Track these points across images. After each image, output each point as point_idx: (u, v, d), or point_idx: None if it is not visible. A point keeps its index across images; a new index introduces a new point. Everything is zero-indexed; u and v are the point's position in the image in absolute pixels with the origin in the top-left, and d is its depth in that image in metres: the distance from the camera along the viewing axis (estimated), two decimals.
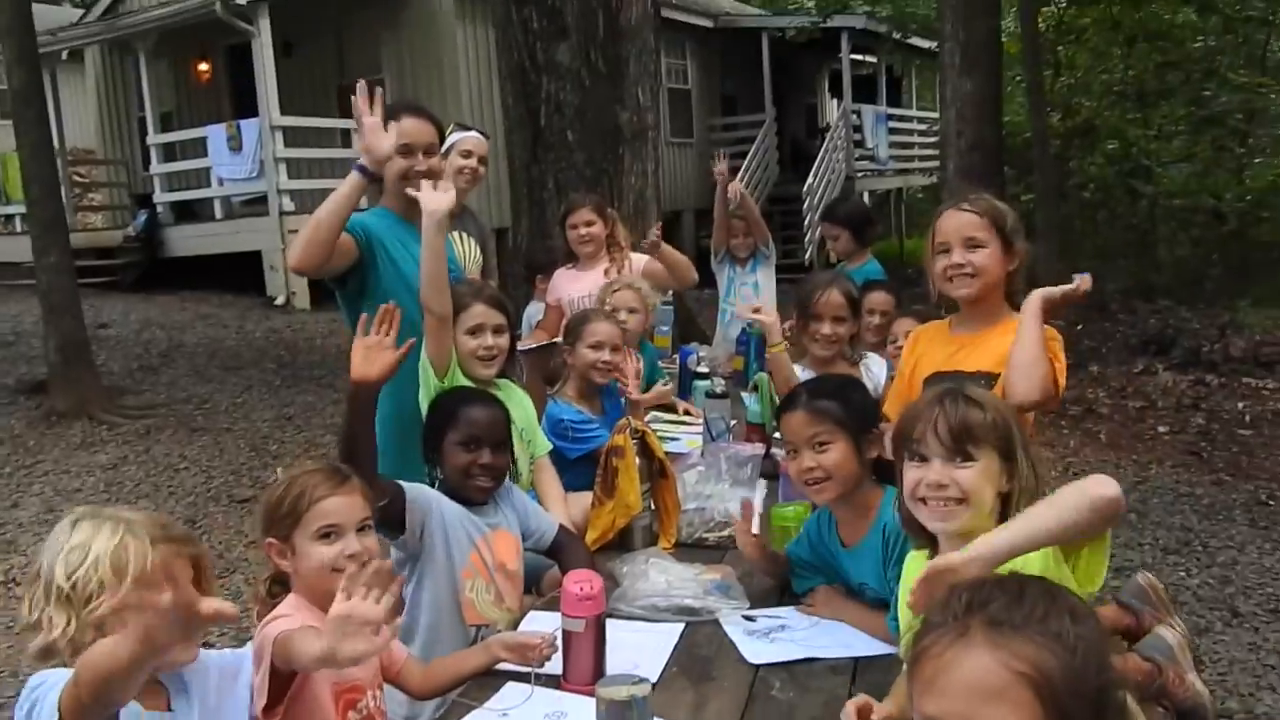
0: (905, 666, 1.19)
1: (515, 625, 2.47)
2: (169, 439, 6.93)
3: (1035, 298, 2.45)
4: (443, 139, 3.28)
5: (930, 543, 1.87)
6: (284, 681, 1.81)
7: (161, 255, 13.10)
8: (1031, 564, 1.60)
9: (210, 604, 1.30)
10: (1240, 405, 8.06)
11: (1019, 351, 2.43)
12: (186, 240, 13.03)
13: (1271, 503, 5.94)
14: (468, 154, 3.95)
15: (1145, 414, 7.95)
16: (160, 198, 13.34)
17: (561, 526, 2.81)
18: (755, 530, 2.56)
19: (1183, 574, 4.86)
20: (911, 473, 1.83)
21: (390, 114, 3.03)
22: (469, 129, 4.10)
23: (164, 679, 1.69)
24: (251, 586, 1.76)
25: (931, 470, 1.79)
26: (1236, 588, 4.71)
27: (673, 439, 3.77)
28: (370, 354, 2.39)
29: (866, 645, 2.22)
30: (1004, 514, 1.79)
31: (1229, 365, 9.18)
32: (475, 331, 3.00)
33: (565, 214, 4.61)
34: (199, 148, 12.84)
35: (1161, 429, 7.56)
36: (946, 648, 1.11)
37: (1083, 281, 2.52)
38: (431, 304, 2.82)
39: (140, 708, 1.61)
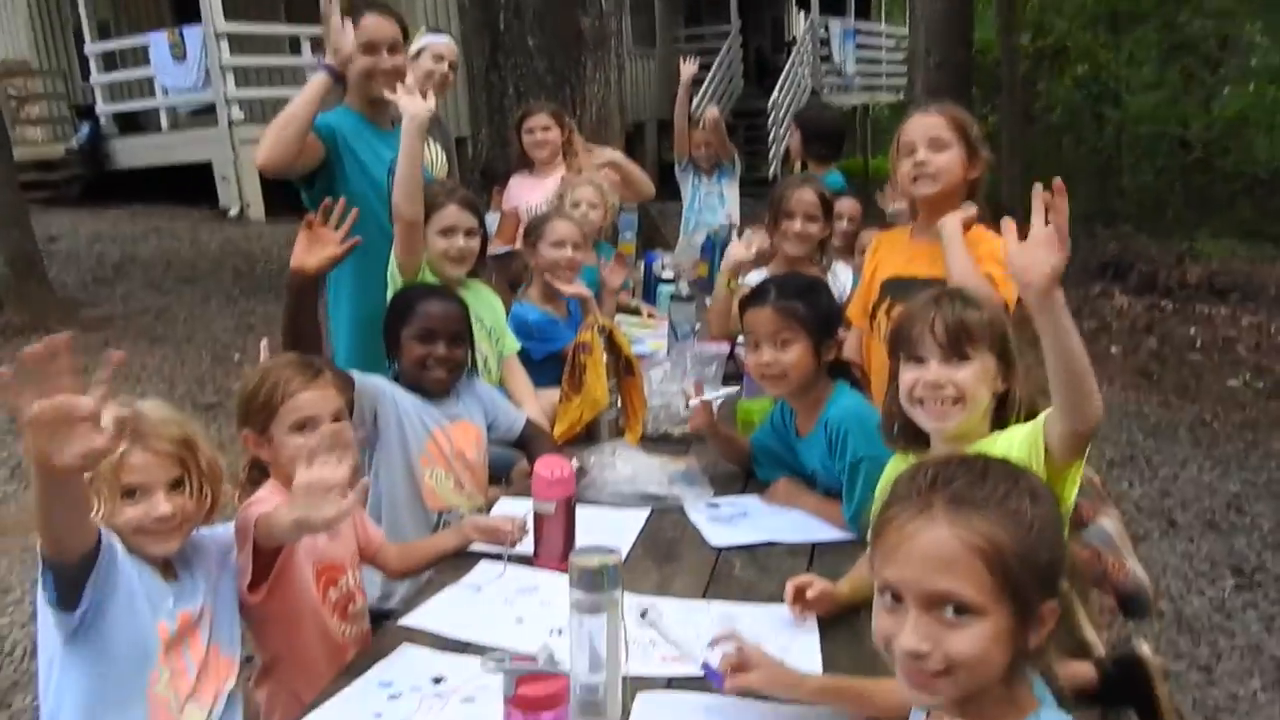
0: (870, 537, 1.26)
1: (479, 512, 2.55)
2: (129, 350, 6.79)
3: (951, 220, 2.51)
4: (407, 37, 3.24)
5: (917, 446, 1.90)
6: (268, 561, 1.88)
7: (107, 168, 12.70)
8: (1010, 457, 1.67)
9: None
10: (1192, 330, 8.26)
11: (954, 278, 2.45)
12: (132, 152, 12.61)
13: (1214, 423, 6.15)
14: (439, 58, 3.91)
15: (1100, 335, 8.13)
16: (103, 109, 12.87)
17: (529, 420, 2.87)
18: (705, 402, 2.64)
19: (1126, 485, 5.06)
20: (908, 374, 1.86)
21: (353, 12, 3.01)
22: (440, 33, 4.06)
23: (170, 556, 1.78)
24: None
25: (929, 370, 1.82)
26: (1175, 500, 4.91)
27: (637, 341, 3.84)
28: (313, 245, 2.43)
29: (824, 531, 2.32)
30: (1000, 415, 1.84)
31: (1184, 292, 9.39)
32: (448, 233, 3.02)
33: (521, 119, 4.56)
34: (140, 56, 12.36)
35: (1114, 350, 7.75)
36: (909, 521, 1.18)
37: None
38: (404, 209, 2.82)
39: (151, 574, 1.71)
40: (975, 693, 1.17)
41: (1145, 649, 2.46)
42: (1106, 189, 15.71)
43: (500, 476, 2.93)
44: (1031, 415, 1.77)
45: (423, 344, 2.57)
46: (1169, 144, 16.38)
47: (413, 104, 2.84)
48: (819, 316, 2.39)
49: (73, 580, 1.56)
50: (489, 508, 2.50)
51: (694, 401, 2.65)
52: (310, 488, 1.64)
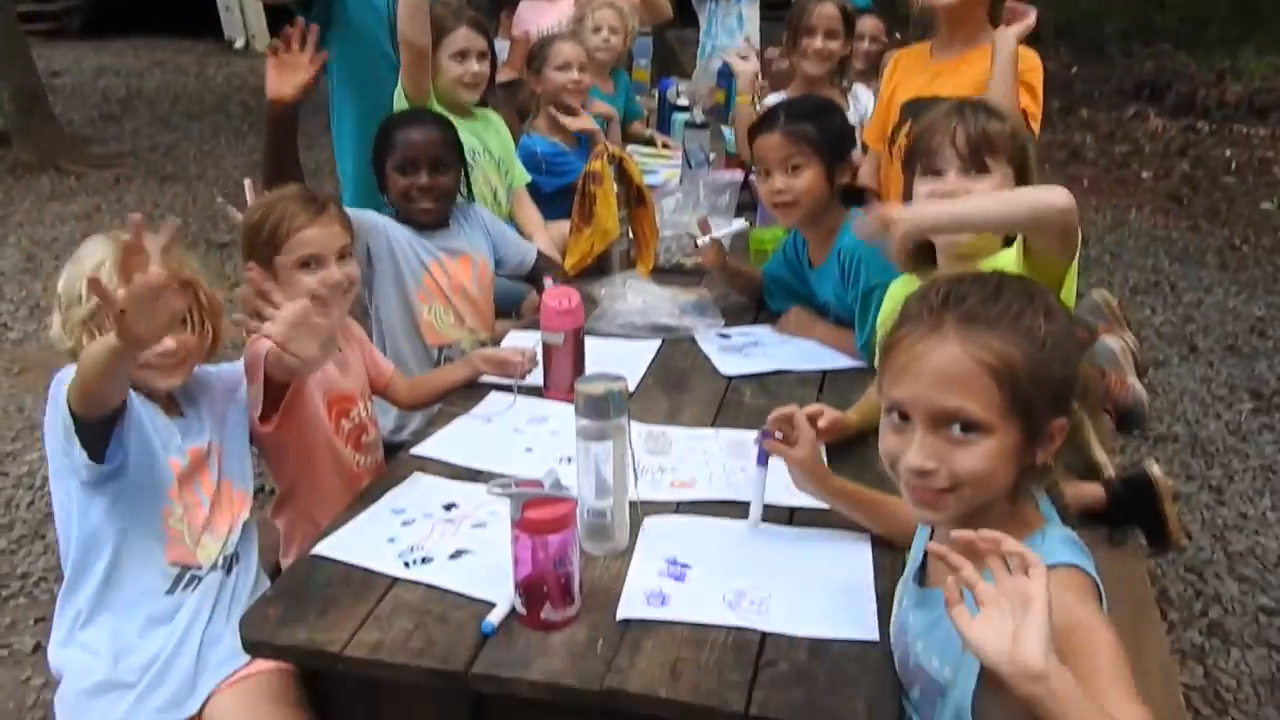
0: (878, 357, 1.24)
1: (482, 346, 2.54)
2: (140, 188, 6.81)
3: (1011, 36, 2.36)
4: None
5: (925, 266, 1.86)
6: (279, 392, 1.89)
7: None
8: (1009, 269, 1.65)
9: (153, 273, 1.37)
10: (1227, 152, 8.00)
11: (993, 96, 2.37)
12: None
13: (1244, 247, 6.02)
14: None
15: (1131, 160, 7.90)
16: None
17: (540, 252, 2.84)
18: (714, 240, 2.59)
19: (1148, 311, 5.00)
20: (924, 186, 1.82)
21: None
22: None
23: (175, 394, 1.80)
24: (238, 326, 1.83)
25: (946, 182, 1.79)
26: (1198, 325, 4.86)
27: (651, 172, 3.76)
28: (284, 72, 2.36)
29: (834, 360, 2.31)
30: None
31: (1222, 112, 9.04)
32: (460, 57, 2.92)
33: None
34: None
35: (1145, 175, 7.54)
36: (920, 339, 1.16)
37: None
38: (411, 36, 2.70)
39: (156, 411, 1.73)
40: (980, 510, 1.18)
41: (1155, 469, 2.49)
42: (1146, 4, 14.96)
43: (510, 310, 2.93)
44: None
45: (404, 175, 2.48)
46: None
47: None
48: (831, 139, 2.31)
49: (101, 433, 1.58)
50: (497, 342, 2.50)
51: (703, 240, 2.60)
52: (289, 324, 1.65)
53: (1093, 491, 2.51)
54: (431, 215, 2.53)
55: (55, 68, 9.93)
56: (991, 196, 1.71)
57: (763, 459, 1.62)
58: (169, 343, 1.70)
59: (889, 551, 1.56)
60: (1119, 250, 5.91)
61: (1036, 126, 2.44)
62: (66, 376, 1.56)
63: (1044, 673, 0.94)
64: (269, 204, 2.01)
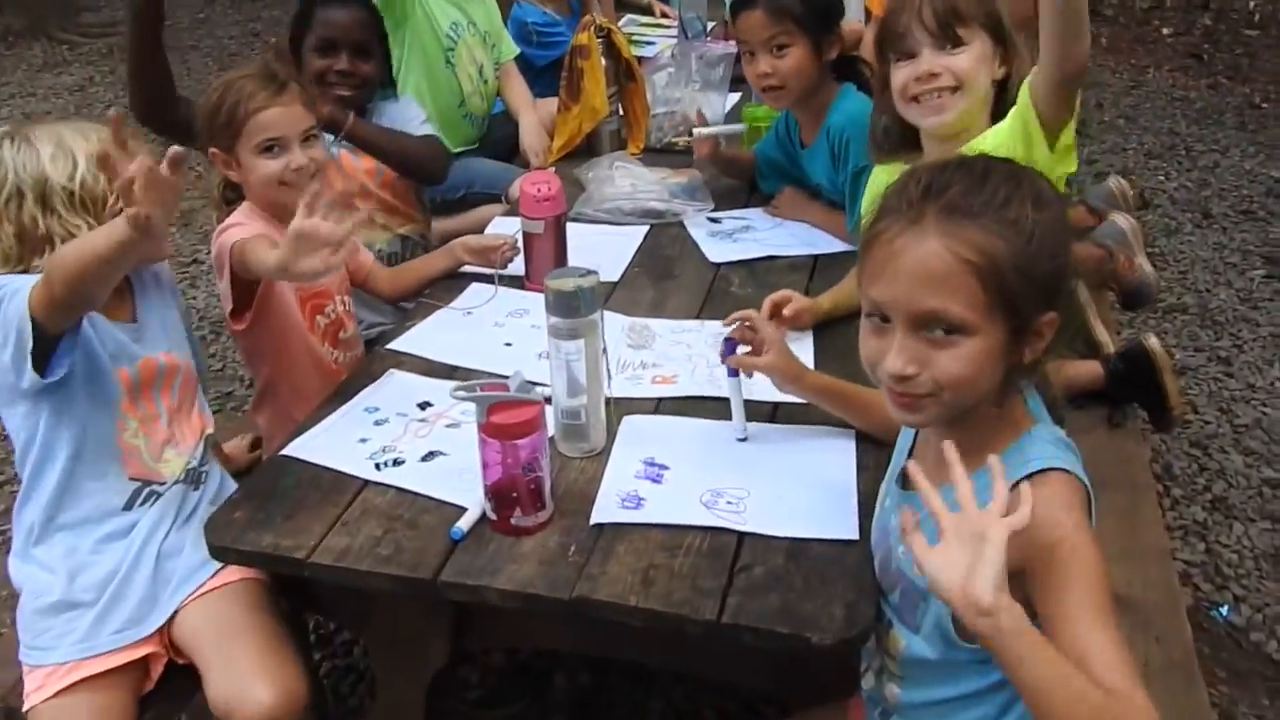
0: (858, 252, 1.17)
1: (403, 242, 2.50)
2: None
3: None
4: None
5: (908, 152, 1.78)
6: (248, 287, 1.83)
7: None
8: (1001, 144, 1.56)
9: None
10: (1251, 4, 7.66)
11: None
12: None
13: (1265, 105, 5.81)
14: None
15: (1151, 15, 7.57)
16: None
17: (429, 136, 2.61)
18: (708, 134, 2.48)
19: (1162, 178, 4.85)
20: (900, 72, 1.72)
21: None
22: None
23: (129, 294, 1.70)
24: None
25: (922, 62, 1.69)
26: (1213, 190, 4.71)
27: (647, 43, 3.61)
28: None
29: (828, 244, 2.24)
30: (1000, 102, 1.70)
31: None
32: None
33: None
34: None
35: (1166, 31, 7.24)
36: (898, 234, 1.08)
37: None
38: None
39: (104, 319, 1.63)
40: (964, 412, 1.13)
41: (1152, 341, 2.43)
42: None
43: (499, 194, 2.84)
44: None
45: (322, 56, 2.35)
46: None
47: None
48: (816, 11, 2.18)
49: (49, 344, 1.50)
50: (428, 236, 2.41)
51: (698, 132, 2.48)
52: (304, 238, 1.50)
53: (1091, 369, 2.46)
54: (346, 104, 2.39)
55: None
56: None
57: (733, 371, 1.56)
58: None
59: (874, 449, 1.51)
60: (1135, 114, 5.70)
61: None
62: (20, 286, 1.48)
63: (992, 608, 0.94)
64: (226, 84, 1.89)
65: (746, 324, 1.58)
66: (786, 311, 1.81)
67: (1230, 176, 4.85)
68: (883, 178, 1.83)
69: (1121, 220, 2.34)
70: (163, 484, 1.67)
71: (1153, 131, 5.44)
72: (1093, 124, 5.49)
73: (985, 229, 1.05)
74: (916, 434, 1.29)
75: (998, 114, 1.69)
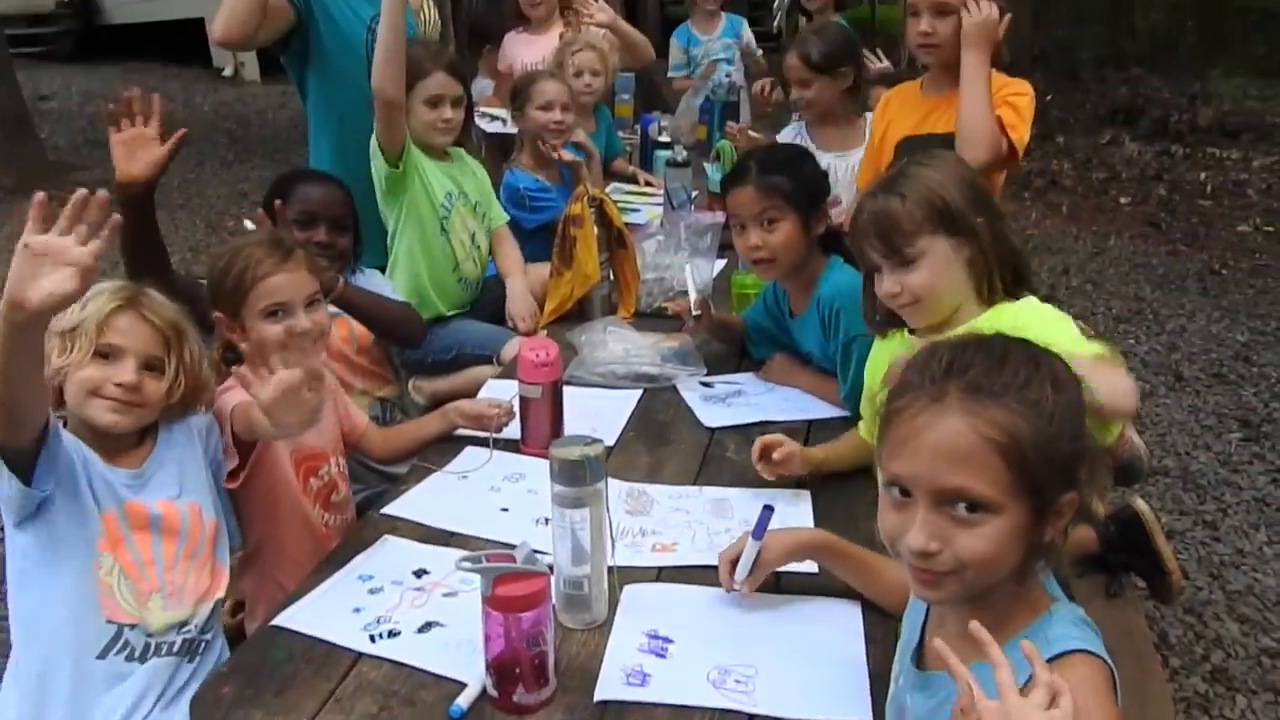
0: (876, 429, 1.17)
1: (382, 405, 2.56)
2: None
3: (972, 31, 2.35)
4: None
5: (900, 329, 1.82)
6: (246, 448, 1.82)
7: (98, 23, 12.38)
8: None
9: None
10: (1202, 176, 8.05)
11: (963, 108, 2.35)
12: (125, 6, 12.25)
13: (1224, 271, 6.02)
14: None
15: (1108, 186, 7.93)
16: None
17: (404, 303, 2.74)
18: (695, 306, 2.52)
19: (1132, 341, 4.97)
20: (881, 287, 1.75)
21: None
22: None
23: (145, 442, 1.72)
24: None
25: (884, 280, 1.73)
26: (1182, 354, 4.83)
27: (633, 210, 3.71)
28: (132, 149, 2.15)
29: (821, 409, 2.26)
30: (984, 278, 1.71)
31: (1195, 135, 9.11)
32: (434, 103, 2.88)
33: None
34: None
35: (1123, 200, 7.56)
36: (921, 411, 1.09)
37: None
38: (386, 88, 2.66)
39: (100, 459, 1.63)
40: (985, 591, 1.11)
41: (1140, 503, 2.43)
42: (1118, 30, 15.16)
43: (491, 356, 2.86)
44: (1016, 268, 1.70)
45: (303, 229, 2.42)
46: None
47: None
48: (804, 189, 2.26)
49: (26, 461, 1.48)
50: (399, 401, 2.48)
51: (689, 323, 2.52)
52: (279, 393, 1.56)
53: (1083, 535, 2.45)
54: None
55: (44, 91, 9.90)
56: None
57: (759, 533, 1.55)
58: (129, 375, 1.63)
59: (880, 620, 1.49)
60: (1100, 279, 5.89)
61: (1016, 139, 2.42)
62: None
63: None
64: (234, 250, 1.94)
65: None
66: (776, 455, 1.83)
67: (1198, 340, 4.98)
68: (883, 352, 1.87)
69: None
70: (149, 635, 1.61)
71: (1119, 296, 5.61)
72: (1061, 289, 5.66)
73: (1008, 409, 1.06)
74: (929, 608, 1.27)
75: (988, 283, 1.70)
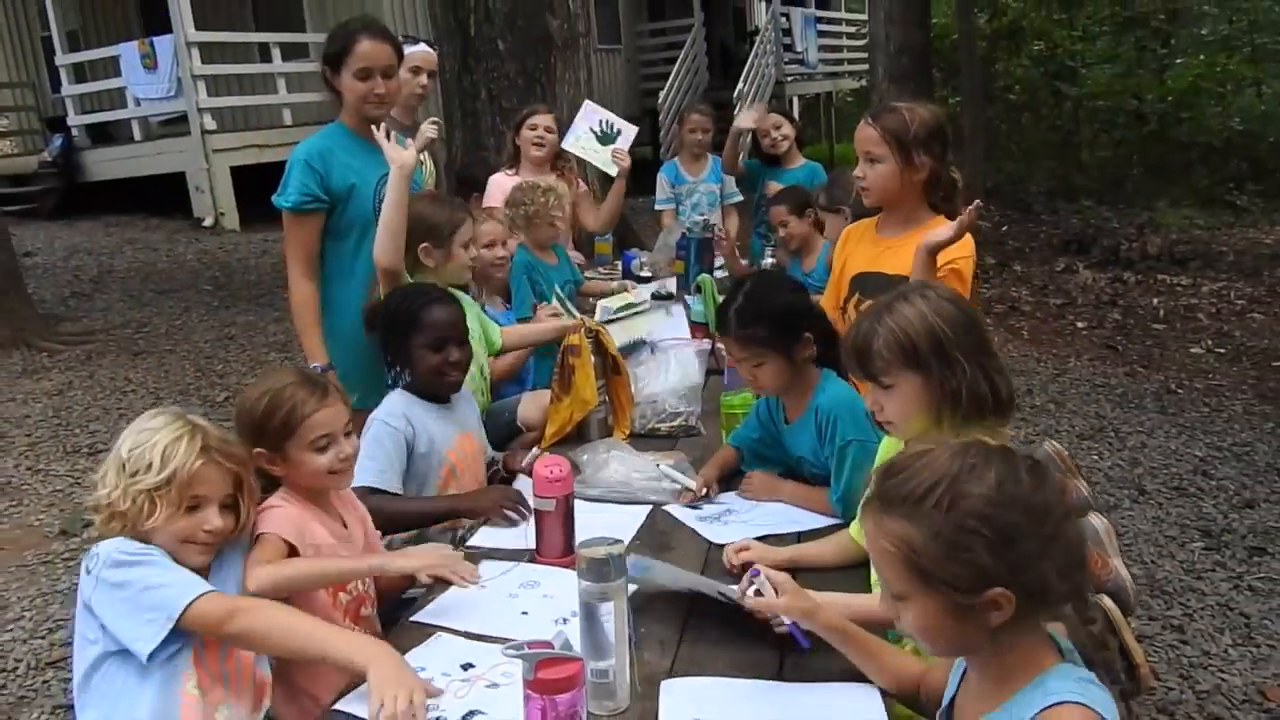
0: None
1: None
2: (112, 363, 6.88)
3: (922, 252, 2.43)
4: (401, 59, 3.25)
5: None
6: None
7: (80, 180, 12.67)
8: None
9: None
10: (1155, 301, 8.45)
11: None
12: (105, 164, 12.57)
13: (1180, 391, 6.32)
14: (416, 69, 3.99)
15: (1065, 311, 8.31)
16: (74, 120, 12.84)
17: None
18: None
19: (1095, 457, 5.21)
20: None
21: (348, 35, 3.07)
22: (416, 41, 4.13)
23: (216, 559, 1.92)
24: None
25: (868, 398, 1.93)
26: (1144, 469, 5.06)
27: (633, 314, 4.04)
28: None
29: (810, 520, 2.39)
30: (954, 410, 1.79)
31: (1145, 263, 9.58)
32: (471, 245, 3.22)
33: (525, 117, 4.70)
34: (111, 67, 12.36)
35: (1080, 325, 7.92)
36: (864, 516, 1.36)
37: (970, 212, 2.43)
38: (385, 258, 2.91)
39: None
40: (969, 651, 1.34)
41: (1106, 601, 2.55)
42: (1067, 164, 15.98)
43: (501, 444, 3.05)
44: (996, 399, 1.81)
45: (437, 352, 2.62)
46: (1125, 117, 16.71)
47: (399, 156, 2.92)
48: (782, 329, 2.42)
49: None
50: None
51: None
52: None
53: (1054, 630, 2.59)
54: (457, 388, 2.72)
55: (29, 247, 10.12)
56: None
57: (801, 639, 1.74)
58: (217, 521, 1.83)
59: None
60: (1062, 399, 6.17)
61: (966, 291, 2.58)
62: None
63: None
64: (274, 392, 2.09)
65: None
66: (741, 557, 2.07)
67: (1158, 455, 5.23)
68: (889, 449, 2.05)
69: (1096, 521, 2.45)
70: None
71: (1081, 415, 5.88)
72: (1025, 408, 5.93)
73: (899, 520, 1.28)
74: (963, 675, 1.44)
75: (974, 408, 1.80)
